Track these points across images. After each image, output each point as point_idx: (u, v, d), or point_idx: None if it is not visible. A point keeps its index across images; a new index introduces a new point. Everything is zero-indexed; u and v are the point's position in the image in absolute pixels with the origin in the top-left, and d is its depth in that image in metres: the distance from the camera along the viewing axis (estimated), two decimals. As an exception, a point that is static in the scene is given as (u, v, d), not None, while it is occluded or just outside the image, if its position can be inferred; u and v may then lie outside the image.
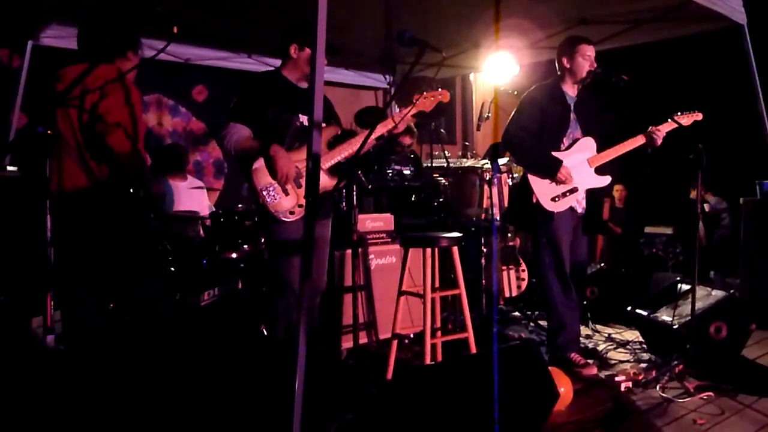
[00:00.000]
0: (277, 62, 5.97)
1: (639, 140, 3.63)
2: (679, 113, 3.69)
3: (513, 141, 3.61)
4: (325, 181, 3.07)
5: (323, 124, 3.19)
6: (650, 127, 3.61)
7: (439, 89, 3.45)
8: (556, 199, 3.54)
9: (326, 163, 3.14)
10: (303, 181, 3.07)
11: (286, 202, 3.07)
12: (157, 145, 5.49)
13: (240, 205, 4.17)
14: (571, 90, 3.65)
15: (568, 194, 3.55)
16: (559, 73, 3.67)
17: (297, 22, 3.16)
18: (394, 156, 4.74)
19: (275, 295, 3.22)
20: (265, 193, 3.04)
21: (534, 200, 3.54)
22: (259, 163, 3.05)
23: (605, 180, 3.64)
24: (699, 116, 3.70)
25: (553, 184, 3.53)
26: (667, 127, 3.61)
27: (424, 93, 3.39)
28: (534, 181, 3.55)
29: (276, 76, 3.29)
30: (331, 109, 3.47)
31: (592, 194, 3.69)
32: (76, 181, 2.76)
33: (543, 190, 3.54)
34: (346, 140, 3.23)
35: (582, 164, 3.59)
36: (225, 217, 4.04)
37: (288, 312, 3.14)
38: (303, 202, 3.07)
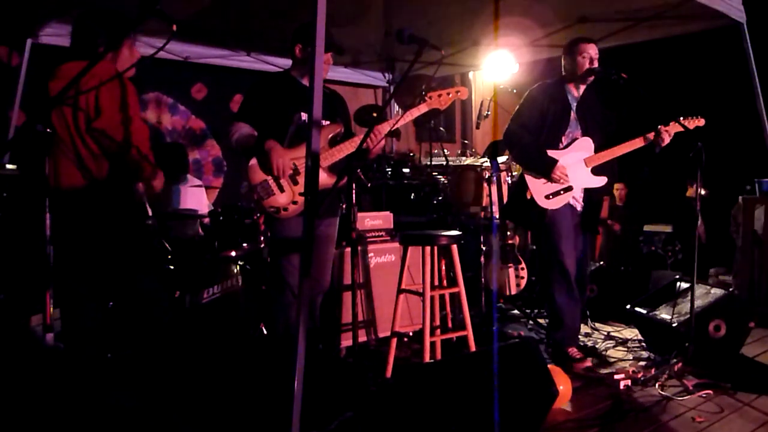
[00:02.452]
0: (276, 60, 5.98)
1: (636, 143, 3.63)
2: (681, 118, 3.63)
3: (512, 138, 3.65)
4: (324, 179, 3.06)
5: (327, 122, 3.19)
6: (659, 126, 3.60)
7: (457, 86, 3.32)
8: (550, 196, 3.56)
9: (326, 161, 3.13)
10: (299, 179, 3.07)
11: (281, 199, 3.06)
12: (156, 143, 5.48)
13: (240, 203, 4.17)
14: (574, 90, 3.66)
15: (562, 192, 3.57)
16: (563, 72, 3.70)
17: (303, 24, 3.14)
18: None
19: (275, 292, 3.21)
20: (260, 188, 3.04)
21: (528, 196, 3.56)
22: (256, 160, 3.05)
23: (601, 180, 3.65)
24: (701, 122, 3.64)
25: (548, 182, 3.56)
26: (674, 128, 3.60)
27: (439, 90, 3.23)
28: (530, 178, 3.58)
29: (283, 76, 3.31)
30: (341, 107, 3.44)
31: (591, 193, 3.70)
32: (71, 180, 2.75)
33: (538, 187, 3.57)
34: (349, 139, 3.21)
35: (578, 163, 3.59)
36: (224, 216, 4.04)
37: (287, 309, 3.14)
38: (298, 199, 3.06)
